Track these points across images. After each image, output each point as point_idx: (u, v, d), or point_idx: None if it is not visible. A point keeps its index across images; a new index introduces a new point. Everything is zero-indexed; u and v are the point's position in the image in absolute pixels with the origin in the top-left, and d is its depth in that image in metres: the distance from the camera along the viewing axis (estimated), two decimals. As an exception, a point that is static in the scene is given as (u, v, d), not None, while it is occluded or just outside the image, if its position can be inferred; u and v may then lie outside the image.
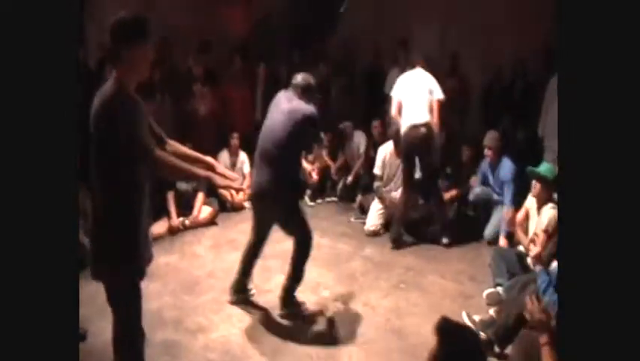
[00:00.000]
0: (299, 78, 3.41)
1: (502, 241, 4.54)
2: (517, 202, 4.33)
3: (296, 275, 3.50)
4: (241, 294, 3.68)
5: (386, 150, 5.33)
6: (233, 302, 3.66)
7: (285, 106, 3.31)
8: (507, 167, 4.71)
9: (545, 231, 3.57)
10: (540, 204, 3.72)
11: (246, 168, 5.78)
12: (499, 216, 4.73)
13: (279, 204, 3.35)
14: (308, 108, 3.29)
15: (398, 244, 4.79)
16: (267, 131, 3.32)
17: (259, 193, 3.34)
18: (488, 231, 4.84)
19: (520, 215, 3.97)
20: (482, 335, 3.05)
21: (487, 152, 4.84)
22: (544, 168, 3.77)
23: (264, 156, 3.29)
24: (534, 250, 3.58)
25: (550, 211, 3.62)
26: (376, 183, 5.34)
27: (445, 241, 4.81)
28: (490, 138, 4.84)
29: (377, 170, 5.33)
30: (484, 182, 5.01)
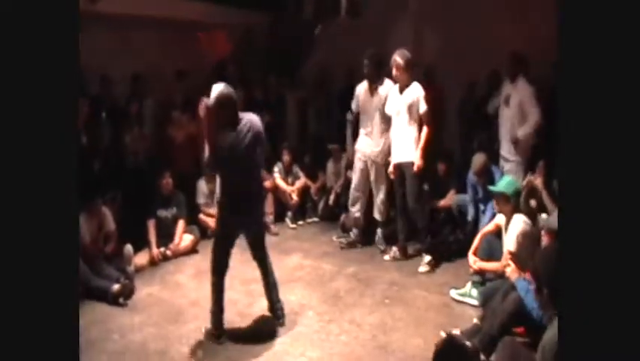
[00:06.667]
0: None
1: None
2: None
3: None
4: None
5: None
6: None
7: None
8: (499, 177, 4.52)
9: (511, 253, 3.54)
10: (508, 219, 3.71)
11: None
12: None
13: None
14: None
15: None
16: None
17: None
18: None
19: (489, 227, 3.99)
20: (468, 344, 3.05)
21: (477, 179, 4.68)
22: (504, 183, 3.79)
23: None
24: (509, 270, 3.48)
25: (516, 226, 3.59)
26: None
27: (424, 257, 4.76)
28: (479, 164, 4.63)
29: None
30: (475, 195, 4.89)
